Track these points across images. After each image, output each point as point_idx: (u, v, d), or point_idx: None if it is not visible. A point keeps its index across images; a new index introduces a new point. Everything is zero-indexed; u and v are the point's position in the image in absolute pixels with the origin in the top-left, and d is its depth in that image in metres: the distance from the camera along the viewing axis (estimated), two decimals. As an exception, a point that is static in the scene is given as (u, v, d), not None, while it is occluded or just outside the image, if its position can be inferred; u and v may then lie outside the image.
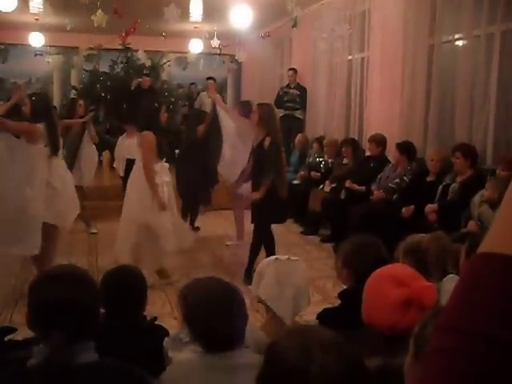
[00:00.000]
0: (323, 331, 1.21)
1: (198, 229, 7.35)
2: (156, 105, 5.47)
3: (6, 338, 2.34)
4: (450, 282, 2.63)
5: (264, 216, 5.36)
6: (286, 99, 9.77)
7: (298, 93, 9.70)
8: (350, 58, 8.39)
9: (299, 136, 9.04)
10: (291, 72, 9.93)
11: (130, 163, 6.78)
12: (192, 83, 12.41)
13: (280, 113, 8.60)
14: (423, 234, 2.81)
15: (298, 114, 9.69)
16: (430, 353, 0.58)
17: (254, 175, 5.52)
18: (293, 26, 9.67)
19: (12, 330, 2.39)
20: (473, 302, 0.57)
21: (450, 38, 6.30)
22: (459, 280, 0.63)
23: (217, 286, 1.87)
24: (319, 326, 1.34)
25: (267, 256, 4.30)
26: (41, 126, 4.82)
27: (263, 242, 5.46)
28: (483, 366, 0.54)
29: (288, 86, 9.96)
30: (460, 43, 6.21)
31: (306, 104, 9.74)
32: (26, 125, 4.78)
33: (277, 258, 2.43)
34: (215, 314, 1.76)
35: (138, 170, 5.28)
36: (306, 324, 1.96)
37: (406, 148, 6.28)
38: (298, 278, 2.33)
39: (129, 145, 7.46)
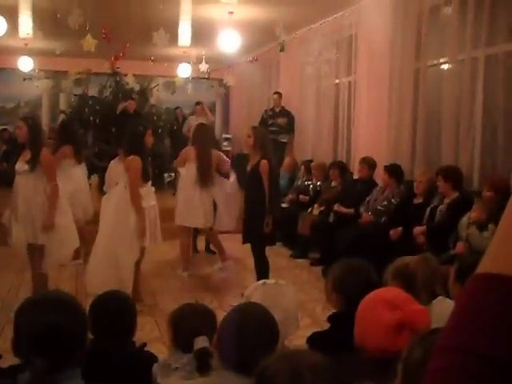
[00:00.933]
0: (314, 355, 1.20)
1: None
2: (141, 128, 5.47)
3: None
4: (440, 304, 2.63)
5: (260, 237, 5.38)
6: (270, 123, 9.67)
7: (286, 120, 9.66)
8: (337, 81, 8.47)
9: (288, 159, 9.08)
10: (276, 96, 9.88)
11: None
12: (177, 107, 12.45)
13: None
14: (411, 256, 2.81)
15: (282, 137, 9.61)
16: (431, 373, 0.58)
17: (248, 197, 5.54)
18: (280, 50, 9.77)
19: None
20: (472, 323, 0.58)
21: (436, 61, 6.39)
22: (457, 301, 0.63)
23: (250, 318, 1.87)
24: (310, 350, 1.33)
25: (258, 280, 4.28)
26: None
27: (260, 263, 5.45)
28: None
29: (273, 109, 9.90)
30: (445, 67, 6.30)
31: (293, 128, 9.74)
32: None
33: (264, 282, 2.42)
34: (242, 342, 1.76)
35: (118, 193, 5.28)
36: (297, 348, 1.95)
37: (394, 171, 6.32)
38: (286, 302, 2.32)
39: (120, 169, 7.45)
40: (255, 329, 1.79)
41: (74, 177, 6.66)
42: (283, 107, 9.83)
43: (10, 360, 2.08)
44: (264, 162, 5.28)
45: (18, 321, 1.59)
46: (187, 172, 6.26)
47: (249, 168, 5.49)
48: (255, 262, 5.53)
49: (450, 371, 0.57)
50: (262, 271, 5.39)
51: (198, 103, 11.16)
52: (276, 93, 9.98)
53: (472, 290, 0.60)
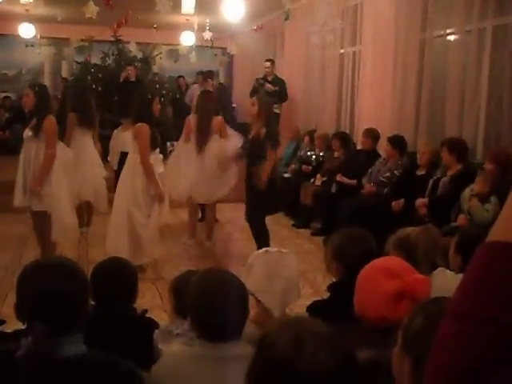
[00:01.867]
0: (315, 323, 1.21)
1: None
2: (149, 95, 5.45)
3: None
4: (440, 275, 2.64)
5: (262, 206, 5.39)
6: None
7: (276, 88, 9.28)
8: (341, 51, 8.39)
9: (293, 128, 9.02)
10: (268, 63, 9.51)
11: (123, 156, 6.77)
12: (180, 76, 12.35)
13: None
14: (413, 227, 2.82)
15: (274, 108, 9.28)
16: (442, 338, 0.59)
17: (249, 165, 5.54)
18: (285, 19, 9.65)
19: (1, 323, 2.38)
20: (484, 289, 0.58)
21: (442, 32, 6.31)
22: (468, 268, 0.64)
23: (217, 277, 1.87)
24: (311, 317, 1.34)
25: (258, 249, 4.31)
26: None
27: (258, 233, 5.46)
28: (498, 349, 0.55)
29: (265, 78, 9.51)
30: (451, 38, 6.22)
31: (286, 97, 9.44)
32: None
33: (267, 250, 2.43)
34: (209, 304, 1.76)
35: (131, 162, 5.28)
36: (297, 316, 1.96)
37: (397, 142, 6.29)
38: (287, 270, 2.33)
39: (124, 138, 7.45)
40: (220, 292, 1.79)
41: (84, 145, 6.68)
42: (276, 75, 9.55)
43: (14, 325, 2.11)
44: (263, 130, 5.29)
45: (21, 285, 1.61)
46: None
47: (250, 136, 5.47)
48: (252, 231, 5.55)
49: (463, 336, 0.58)
50: (261, 240, 5.40)
51: (199, 73, 11.06)
52: (268, 60, 9.64)
53: (484, 257, 0.61)
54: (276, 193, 5.45)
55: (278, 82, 9.43)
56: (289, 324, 1.23)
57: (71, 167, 5.81)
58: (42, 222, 5.30)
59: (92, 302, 2.19)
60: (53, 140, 5.18)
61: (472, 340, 0.57)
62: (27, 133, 5.20)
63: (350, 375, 1.14)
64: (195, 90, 10.30)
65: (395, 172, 6.22)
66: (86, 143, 6.77)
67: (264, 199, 5.31)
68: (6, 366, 1.51)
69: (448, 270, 2.75)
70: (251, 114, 5.47)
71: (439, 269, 2.72)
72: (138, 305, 2.66)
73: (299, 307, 3.22)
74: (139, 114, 5.26)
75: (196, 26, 10.27)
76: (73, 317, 1.56)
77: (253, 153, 5.45)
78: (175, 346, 2.17)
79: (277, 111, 9.03)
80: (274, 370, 1.12)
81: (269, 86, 9.19)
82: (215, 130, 6.17)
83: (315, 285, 5.18)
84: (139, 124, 5.14)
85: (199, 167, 6.15)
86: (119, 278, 2.45)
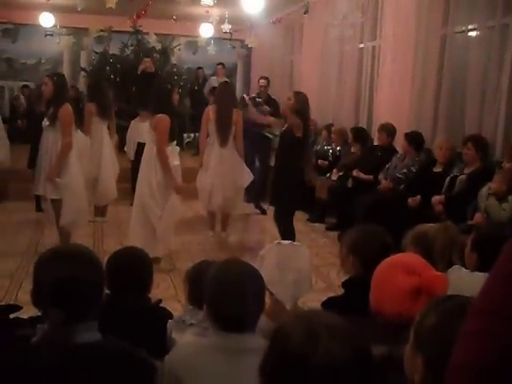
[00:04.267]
0: (331, 316, 1.20)
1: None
2: (169, 86, 5.45)
3: (11, 316, 2.37)
4: (455, 273, 2.62)
5: (291, 202, 5.38)
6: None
7: (270, 110, 8.03)
8: (361, 46, 8.33)
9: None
10: (264, 81, 8.47)
11: (140, 147, 6.81)
12: (199, 67, 12.36)
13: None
14: (432, 224, 2.80)
15: (266, 131, 8.03)
16: (468, 335, 0.58)
17: (279, 161, 5.53)
18: (305, 12, 9.61)
19: (17, 309, 2.41)
20: (507, 285, 0.57)
21: (464, 28, 6.24)
22: (495, 264, 0.63)
23: (236, 268, 1.86)
24: (327, 311, 1.33)
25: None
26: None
27: (287, 231, 5.43)
28: None
29: (258, 96, 8.36)
30: (473, 34, 6.15)
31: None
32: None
33: (279, 242, 2.43)
34: (228, 295, 1.76)
35: (148, 153, 5.29)
36: (314, 309, 1.95)
37: (414, 138, 6.25)
38: (299, 262, 2.33)
39: (141, 129, 7.49)
40: (238, 283, 1.78)
41: (100, 135, 6.75)
42: (269, 95, 8.53)
43: (30, 312, 2.13)
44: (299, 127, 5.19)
45: (37, 272, 1.62)
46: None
47: (283, 130, 5.43)
48: (281, 229, 5.50)
49: (487, 332, 0.57)
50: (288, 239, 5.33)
51: (219, 64, 11.06)
52: (264, 78, 8.59)
53: (509, 254, 0.60)
54: (306, 188, 5.46)
55: (272, 102, 8.37)
56: (303, 316, 1.23)
57: (87, 154, 5.89)
58: (56, 209, 5.35)
59: (107, 291, 2.20)
60: (69, 128, 5.22)
61: (496, 336, 0.56)
62: (45, 122, 5.27)
63: (365, 368, 1.14)
64: (214, 82, 10.31)
65: (412, 168, 6.18)
66: (102, 134, 6.83)
67: (296, 196, 5.28)
68: (22, 352, 1.53)
69: (464, 268, 2.73)
70: (286, 108, 5.42)
71: (455, 266, 2.70)
72: (152, 295, 2.67)
73: (312, 301, 3.22)
74: (159, 105, 5.24)
75: (217, 19, 10.24)
76: (88, 304, 1.57)
77: (283, 147, 5.41)
78: (189, 336, 2.18)
79: (269, 135, 8.13)
80: (289, 362, 1.12)
81: (266, 107, 8.12)
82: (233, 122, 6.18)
83: (328, 279, 5.18)
84: (160, 115, 5.14)
85: (221, 160, 6.17)
86: (134, 267, 2.47)
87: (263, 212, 7.83)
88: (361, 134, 7.50)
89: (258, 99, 8.20)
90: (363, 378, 1.12)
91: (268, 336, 1.92)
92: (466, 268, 2.74)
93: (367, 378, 1.13)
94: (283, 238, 5.32)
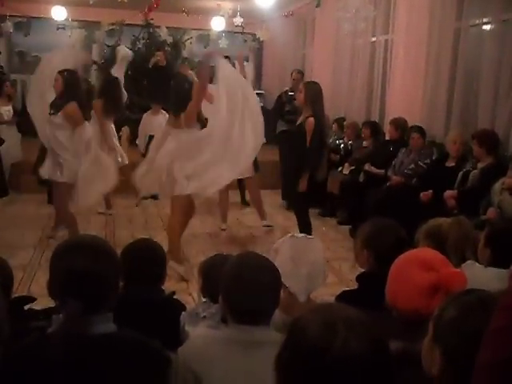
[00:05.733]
0: (348, 308, 1.20)
1: None
2: (187, 85, 5.33)
3: (25, 308, 2.39)
4: (469, 268, 2.61)
5: (302, 199, 5.37)
6: (288, 109, 7.84)
7: None
8: (373, 39, 8.28)
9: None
10: (297, 74, 8.19)
11: (152, 140, 6.80)
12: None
13: (280, 126, 7.89)
14: (445, 218, 2.78)
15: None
16: (495, 331, 0.57)
17: (289, 154, 5.51)
18: (317, 6, 9.56)
19: (31, 300, 2.43)
20: None
21: (478, 21, 6.18)
22: None
23: (253, 261, 1.86)
24: (344, 304, 1.33)
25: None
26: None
27: (303, 224, 5.42)
28: None
29: (291, 90, 7.95)
30: (487, 27, 6.09)
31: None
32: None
33: (292, 235, 2.42)
34: (244, 288, 1.76)
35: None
36: (330, 302, 1.95)
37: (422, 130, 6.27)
38: (313, 255, 2.32)
39: (153, 122, 7.50)
40: (255, 276, 1.78)
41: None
42: None
43: (43, 304, 2.15)
44: (310, 120, 5.14)
45: (53, 264, 1.62)
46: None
47: (297, 123, 5.41)
48: (298, 222, 5.49)
49: None
50: (306, 231, 5.29)
51: (225, 57, 11.01)
52: (299, 72, 8.38)
53: None
54: (317, 185, 5.47)
55: None
56: (320, 309, 1.23)
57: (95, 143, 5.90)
58: (63, 193, 5.40)
59: (121, 283, 2.21)
60: (73, 123, 5.25)
61: None
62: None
63: (382, 360, 1.13)
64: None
65: (419, 163, 6.15)
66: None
67: (306, 193, 5.26)
68: (37, 342, 1.54)
69: (477, 264, 2.71)
70: (299, 102, 5.39)
71: (468, 262, 2.69)
72: (164, 287, 2.68)
73: (324, 295, 3.22)
74: (181, 106, 5.07)
75: (229, 13, 10.22)
76: (104, 295, 1.58)
77: (295, 141, 5.38)
78: (201, 328, 2.19)
79: None
80: (306, 355, 1.11)
81: None
82: None
83: (340, 273, 5.17)
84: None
85: None
86: (148, 259, 2.48)
87: None
88: (374, 129, 7.48)
89: (290, 93, 7.93)
90: (381, 369, 1.12)
91: (281, 329, 1.93)
92: (479, 263, 2.72)
93: (385, 369, 1.13)
94: (300, 231, 5.34)
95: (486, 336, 0.60)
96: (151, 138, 6.93)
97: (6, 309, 0.99)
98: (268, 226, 6.71)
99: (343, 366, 1.08)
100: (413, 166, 6.20)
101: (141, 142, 7.81)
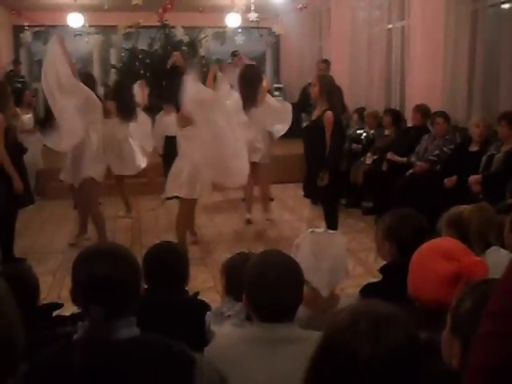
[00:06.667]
0: (381, 304, 1.19)
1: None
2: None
3: (53, 314, 2.43)
4: (494, 254, 2.58)
5: (329, 194, 5.35)
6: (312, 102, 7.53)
7: None
8: (389, 26, 8.20)
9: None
10: (323, 64, 7.98)
11: (169, 140, 6.83)
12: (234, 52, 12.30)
13: (305, 119, 7.50)
14: (466, 205, 2.75)
15: None
16: (481, 337, 0.57)
17: (309, 149, 5.48)
18: (331, -4, 9.47)
19: (59, 306, 2.47)
20: None
21: (496, 1, 6.07)
22: (506, 267, 0.62)
23: (276, 259, 1.87)
24: (378, 300, 1.32)
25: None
26: None
27: (330, 218, 5.41)
28: None
29: None
30: (506, 6, 5.98)
31: (344, 108, 7.67)
32: None
33: (313, 231, 2.42)
34: (268, 285, 1.77)
35: None
36: (363, 300, 1.95)
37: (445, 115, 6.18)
38: (334, 249, 2.31)
39: (167, 122, 7.50)
40: (278, 274, 1.79)
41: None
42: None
43: (72, 309, 2.18)
44: (329, 114, 5.09)
45: (75, 271, 1.65)
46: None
47: (313, 118, 5.37)
48: (325, 217, 5.48)
49: (498, 334, 0.56)
50: (333, 226, 5.27)
51: (234, 53, 11.00)
52: (324, 61, 8.24)
53: None
54: (341, 176, 5.56)
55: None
56: (353, 307, 1.21)
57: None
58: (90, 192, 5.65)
59: (144, 286, 2.24)
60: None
61: (506, 338, 0.55)
62: None
63: (416, 355, 1.13)
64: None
65: (444, 149, 6.08)
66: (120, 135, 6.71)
67: (332, 186, 5.23)
68: (64, 349, 1.56)
69: (502, 249, 2.67)
70: (314, 95, 5.35)
71: (493, 247, 2.66)
72: (190, 286, 2.70)
73: (351, 287, 3.21)
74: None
75: (243, 8, 10.21)
76: (125, 301, 1.60)
77: (313, 136, 5.33)
78: (226, 327, 2.20)
79: None
80: (340, 354, 1.10)
81: None
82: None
83: (367, 264, 5.14)
84: None
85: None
86: (170, 261, 2.50)
87: None
88: (396, 116, 7.40)
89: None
90: (414, 364, 1.12)
91: (305, 325, 1.93)
92: (505, 249, 2.68)
93: (417, 364, 1.13)
94: (327, 225, 5.33)
95: (474, 340, 0.60)
96: (168, 138, 6.97)
97: (20, 321, 1.01)
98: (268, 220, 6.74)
99: (378, 363, 1.07)
100: (437, 151, 6.13)
101: (157, 143, 7.81)
